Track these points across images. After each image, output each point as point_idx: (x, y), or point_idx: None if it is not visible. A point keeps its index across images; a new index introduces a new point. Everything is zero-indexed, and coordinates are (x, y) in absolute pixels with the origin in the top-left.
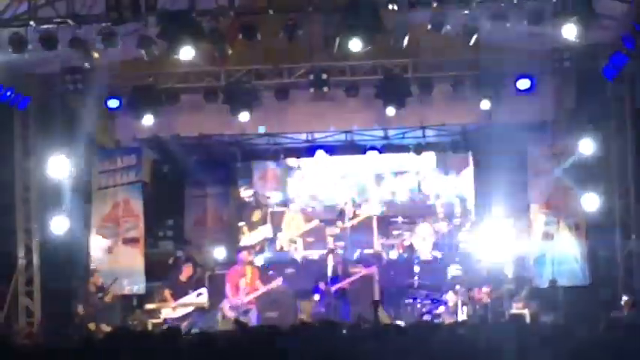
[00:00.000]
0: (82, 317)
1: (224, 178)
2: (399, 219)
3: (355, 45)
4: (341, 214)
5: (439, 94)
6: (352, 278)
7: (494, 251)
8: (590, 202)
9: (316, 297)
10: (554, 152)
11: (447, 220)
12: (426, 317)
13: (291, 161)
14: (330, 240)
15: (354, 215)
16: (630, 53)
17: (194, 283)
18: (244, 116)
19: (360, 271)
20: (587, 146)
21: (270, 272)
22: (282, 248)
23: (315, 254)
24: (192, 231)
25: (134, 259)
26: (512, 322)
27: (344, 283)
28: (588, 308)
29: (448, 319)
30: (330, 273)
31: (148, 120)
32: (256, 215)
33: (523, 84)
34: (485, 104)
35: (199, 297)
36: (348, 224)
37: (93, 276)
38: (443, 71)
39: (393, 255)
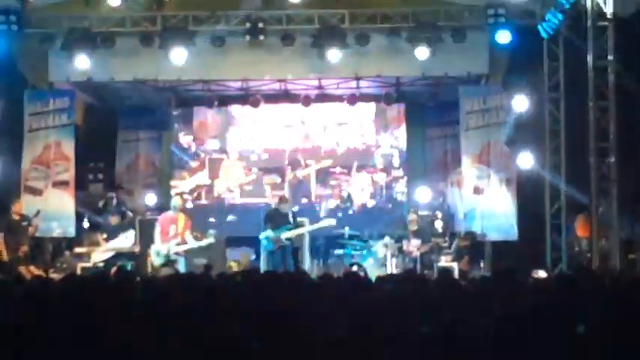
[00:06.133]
0: (12, 259)
1: (157, 123)
2: (338, 169)
3: None
4: (293, 163)
5: (375, 46)
6: (313, 227)
7: (427, 203)
8: (522, 157)
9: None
10: (486, 107)
11: (386, 171)
12: (355, 268)
13: (234, 108)
14: (267, 189)
15: (306, 165)
16: (566, 12)
17: (124, 227)
18: (179, 60)
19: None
20: (520, 101)
21: (210, 219)
22: (219, 196)
23: (254, 202)
24: (124, 175)
25: (64, 202)
26: (440, 276)
27: (293, 233)
28: (516, 263)
29: (377, 271)
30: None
31: (82, 63)
32: (194, 162)
33: (503, 37)
34: (421, 53)
35: (128, 240)
36: (300, 174)
37: (15, 204)
38: (379, 23)
39: (331, 205)
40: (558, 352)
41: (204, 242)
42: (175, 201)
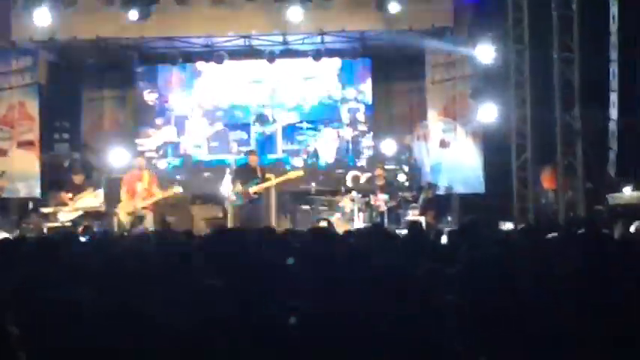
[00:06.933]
0: None
1: (122, 81)
2: (304, 124)
3: None
4: (261, 118)
5: (338, 0)
6: (281, 179)
7: (393, 158)
8: (488, 112)
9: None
10: (452, 60)
11: (352, 125)
12: (323, 224)
13: (199, 65)
14: (233, 145)
15: (273, 121)
16: None
17: (89, 187)
18: (136, 15)
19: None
20: (485, 54)
21: (177, 177)
22: (185, 152)
23: (222, 158)
24: (89, 134)
25: (29, 162)
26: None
27: (262, 187)
28: (483, 216)
29: (343, 226)
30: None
31: (43, 20)
32: (160, 119)
33: None
34: (393, 7)
35: (96, 199)
36: (267, 129)
37: None
38: None
39: (298, 162)
40: (523, 302)
41: (170, 192)
42: (137, 161)
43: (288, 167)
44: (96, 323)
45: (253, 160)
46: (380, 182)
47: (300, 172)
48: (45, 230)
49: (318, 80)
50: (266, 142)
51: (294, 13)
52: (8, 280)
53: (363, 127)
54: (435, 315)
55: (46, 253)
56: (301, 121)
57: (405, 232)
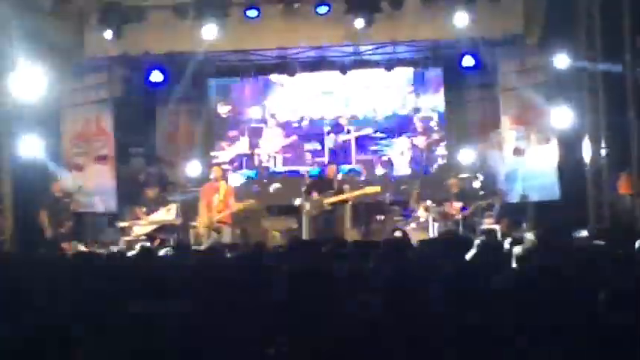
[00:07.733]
0: (56, 236)
1: (195, 94)
2: (378, 134)
3: None
4: (336, 128)
5: (409, 10)
6: (357, 193)
7: (469, 166)
8: (561, 117)
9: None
10: (524, 67)
11: (425, 134)
12: (397, 234)
13: (273, 77)
14: (307, 156)
15: (347, 131)
16: None
17: (164, 200)
18: (212, 31)
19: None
20: (559, 61)
21: (252, 188)
22: (260, 164)
23: (296, 169)
24: (164, 148)
25: (105, 176)
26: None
27: (338, 199)
28: (559, 224)
29: (418, 236)
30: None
31: (116, 37)
32: (233, 131)
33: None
34: (460, 19)
35: (169, 212)
36: (341, 139)
37: (55, 183)
38: None
39: (379, 172)
40: (595, 311)
41: (245, 204)
42: (214, 171)
43: (362, 178)
44: (175, 337)
45: (331, 171)
46: (454, 190)
47: (377, 188)
48: (121, 244)
49: (390, 90)
50: (340, 152)
51: (365, 24)
52: (81, 295)
53: (436, 136)
54: (508, 324)
55: (122, 267)
56: (375, 131)
57: (480, 240)
